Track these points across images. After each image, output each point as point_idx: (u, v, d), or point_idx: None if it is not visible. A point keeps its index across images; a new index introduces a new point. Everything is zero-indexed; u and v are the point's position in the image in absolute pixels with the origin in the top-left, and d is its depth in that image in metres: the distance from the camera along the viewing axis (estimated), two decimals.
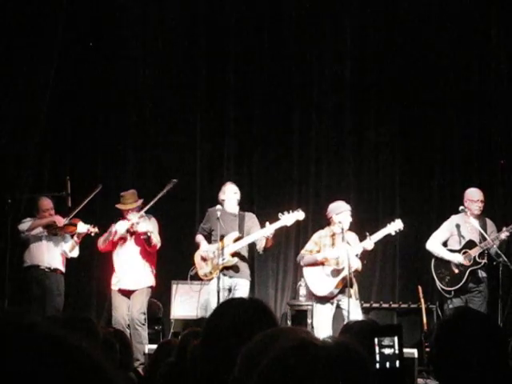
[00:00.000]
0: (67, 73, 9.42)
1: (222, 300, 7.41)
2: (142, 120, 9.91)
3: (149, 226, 7.88)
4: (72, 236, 8.10)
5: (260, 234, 7.67)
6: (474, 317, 2.45)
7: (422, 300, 8.70)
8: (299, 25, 9.92)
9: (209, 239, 7.95)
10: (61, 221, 7.94)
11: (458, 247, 8.04)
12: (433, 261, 8.15)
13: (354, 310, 7.33)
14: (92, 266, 9.15)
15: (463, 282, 7.89)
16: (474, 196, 8.07)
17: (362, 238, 7.71)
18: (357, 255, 7.56)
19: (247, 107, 10.00)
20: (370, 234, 7.58)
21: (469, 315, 2.47)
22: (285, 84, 9.95)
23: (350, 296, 7.39)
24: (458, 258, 7.97)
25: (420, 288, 8.78)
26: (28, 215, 8.20)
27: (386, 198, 9.85)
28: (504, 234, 7.76)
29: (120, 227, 7.92)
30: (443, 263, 8.06)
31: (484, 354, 2.24)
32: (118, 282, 7.99)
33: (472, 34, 9.60)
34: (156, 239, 7.99)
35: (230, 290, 7.69)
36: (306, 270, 7.87)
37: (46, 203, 8.05)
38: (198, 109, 9.97)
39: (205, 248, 7.84)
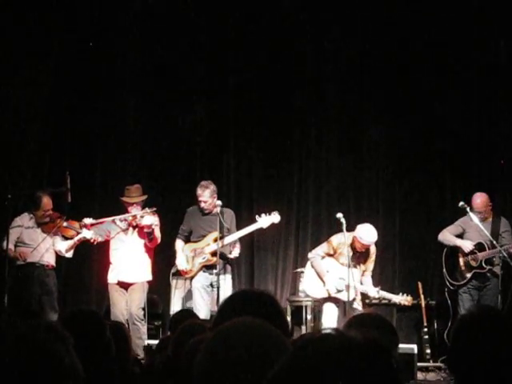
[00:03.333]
0: (67, 69, 9.42)
1: (205, 296, 7.77)
2: (142, 117, 9.91)
3: (153, 220, 7.90)
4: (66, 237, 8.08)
5: (239, 235, 7.88)
6: (494, 316, 2.44)
7: (422, 296, 8.71)
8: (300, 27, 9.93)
9: (188, 239, 8.10)
10: (27, 255, 7.88)
11: None
12: (444, 251, 8.25)
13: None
14: (91, 259, 9.13)
15: (466, 280, 8.02)
16: (472, 204, 8.13)
17: None
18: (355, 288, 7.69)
19: (247, 105, 9.98)
20: (381, 289, 7.84)
21: (489, 314, 2.46)
22: (285, 81, 9.93)
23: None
24: (467, 245, 8.07)
25: (420, 284, 8.79)
26: (28, 210, 8.19)
27: (385, 195, 9.84)
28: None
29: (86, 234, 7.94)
30: (453, 257, 8.16)
31: (501, 352, 2.23)
32: (116, 274, 8.00)
33: (472, 33, 9.57)
34: (157, 234, 8.02)
35: (212, 286, 7.83)
36: (309, 269, 7.97)
37: (49, 203, 8.02)
38: (198, 108, 9.97)
39: (178, 261, 8.03)
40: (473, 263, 8.01)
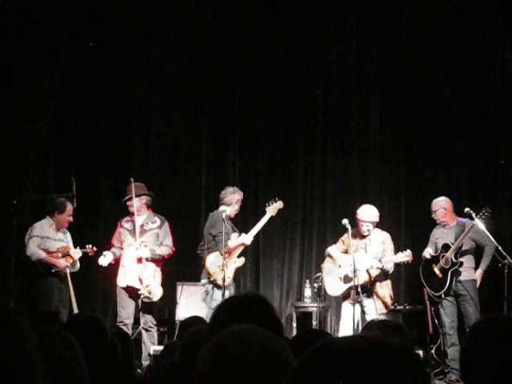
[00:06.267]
0: (72, 74, 9.42)
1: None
2: (146, 121, 9.93)
3: (148, 253, 7.92)
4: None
5: (258, 228, 7.98)
6: (504, 322, 2.44)
7: (428, 302, 8.68)
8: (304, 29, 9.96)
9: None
10: (62, 265, 7.95)
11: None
12: (420, 269, 8.25)
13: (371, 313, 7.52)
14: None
15: (448, 284, 8.02)
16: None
17: None
18: (367, 270, 7.65)
19: (253, 104, 10.01)
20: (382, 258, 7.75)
21: (498, 320, 2.45)
22: (291, 84, 9.96)
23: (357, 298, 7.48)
24: (424, 253, 8.19)
25: (425, 290, 8.76)
26: (33, 216, 8.20)
27: (390, 201, 9.84)
28: (472, 225, 7.84)
29: (103, 261, 8.00)
30: (428, 271, 8.22)
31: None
32: (126, 279, 7.97)
33: (476, 35, 9.58)
34: (165, 250, 8.09)
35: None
36: (326, 267, 7.95)
37: (71, 208, 8.05)
38: (202, 107, 9.99)
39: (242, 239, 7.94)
40: (446, 266, 8.05)
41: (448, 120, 9.76)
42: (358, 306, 7.69)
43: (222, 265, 7.63)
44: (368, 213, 7.84)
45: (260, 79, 9.95)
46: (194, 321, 5.02)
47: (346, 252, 7.90)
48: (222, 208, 7.87)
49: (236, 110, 9.98)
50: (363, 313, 7.70)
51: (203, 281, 7.85)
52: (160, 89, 9.92)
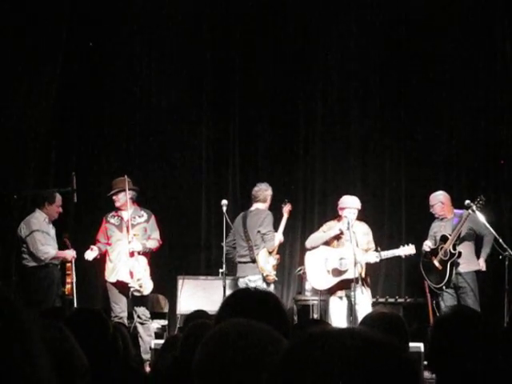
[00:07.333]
0: (72, 70, 9.42)
1: None
2: (147, 115, 9.93)
3: (140, 246, 7.90)
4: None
5: (283, 227, 8.23)
6: (468, 315, 2.49)
7: (428, 294, 8.70)
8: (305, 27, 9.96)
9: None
10: (71, 256, 8.00)
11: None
12: (421, 262, 8.26)
13: (364, 305, 7.45)
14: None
15: (448, 275, 8.05)
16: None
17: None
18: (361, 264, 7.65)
19: (254, 99, 10.00)
20: (382, 250, 7.74)
21: (463, 313, 2.50)
22: (291, 76, 9.96)
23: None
24: (425, 243, 8.25)
25: (426, 283, 8.77)
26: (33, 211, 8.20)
27: (391, 195, 9.85)
28: (468, 214, 7.91)
29: (88, 256, 7.98)
30: (428, 263, 8.26)
31: (477, 349, 2.26)
32: (115, 274, 7.97)
33: (477, 35, 9.57)
34: (153, 244, 8.07)
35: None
36: (308, 261, 7.92)
37: (60, 199, 8.05)
38: (203, 102, 9.99)
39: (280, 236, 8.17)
40: (445, 257, 8.09)
41: (448, 119, 9.76)
42: (345, 300, 7.69)
43: (271, 262, 7.93)
44: (352, 200, 7.84)
45: (260, 79, 9.94)
46: (199, 315, 5.04)
47: (327, 244, 7.87)
48: (257, 205, 8.08)
49: (236, 109, 9.97)
50: (351, 304, 7.66)
51: (254, 277, 7.87)
52: (160, 88, 9.91)
